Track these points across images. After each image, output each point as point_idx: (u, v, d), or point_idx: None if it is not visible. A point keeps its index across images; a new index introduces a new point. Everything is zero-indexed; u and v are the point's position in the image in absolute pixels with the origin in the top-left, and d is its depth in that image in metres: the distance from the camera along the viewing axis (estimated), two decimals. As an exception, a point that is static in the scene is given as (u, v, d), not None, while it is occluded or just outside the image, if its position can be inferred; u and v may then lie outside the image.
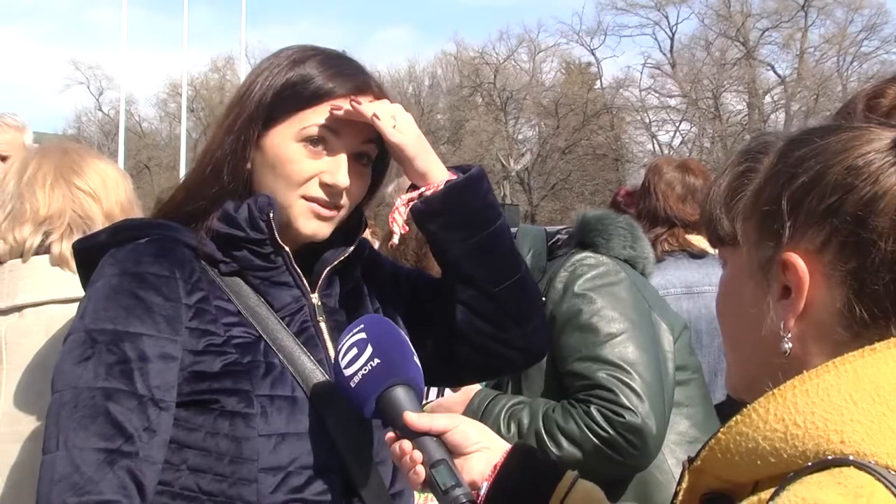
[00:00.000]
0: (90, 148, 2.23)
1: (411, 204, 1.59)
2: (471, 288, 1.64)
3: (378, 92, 1.58)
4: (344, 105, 1.52)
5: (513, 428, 2.37)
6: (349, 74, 1.55)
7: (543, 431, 2.34)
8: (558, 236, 2.64)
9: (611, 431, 2.28)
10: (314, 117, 1.52)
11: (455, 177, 1.60)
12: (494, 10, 67.84)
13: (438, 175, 1.59)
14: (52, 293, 1.99)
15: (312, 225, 1.55)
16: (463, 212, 1.60)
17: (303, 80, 1.53)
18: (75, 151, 2.12)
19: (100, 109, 42.64)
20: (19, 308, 2.00)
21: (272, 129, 1.53)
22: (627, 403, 2.29)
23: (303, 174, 1.53)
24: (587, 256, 2.51)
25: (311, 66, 1.54)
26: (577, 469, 1.40)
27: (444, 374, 1.77)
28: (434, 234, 1.62)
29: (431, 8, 69.07)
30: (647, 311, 2.54)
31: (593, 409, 2.31)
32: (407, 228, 1.59)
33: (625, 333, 2.39)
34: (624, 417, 2.29)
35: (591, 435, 2.29)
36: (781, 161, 1.00)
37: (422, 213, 1.59)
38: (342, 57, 1.60)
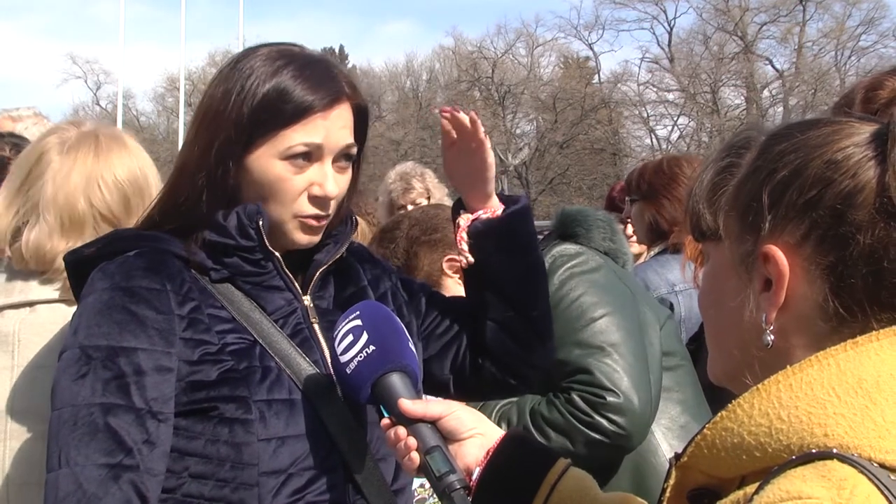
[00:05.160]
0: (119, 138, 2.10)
1: (470, 223, 1.67)
2: (511, 309, 1.69)
3: (351, 93, 1.57)
4: (463, 119, 1.61)
5: (503, 427, 2.37)
6: (325, 85, 1.53)
7: (531, 426, 2.36)
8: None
9: (594, 415, 2.30)
10: (297, 136, 1.51)
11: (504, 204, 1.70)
12: (492, 4, 67.83)
13: (495, 201, 1.69)
14: (66, 291, 1.97)
15: (306, 237, 1.57)
16: (516, 237, 1.68)
17: (280, 97, 1.50)
18: (108, 148, 2.03)
19: (97, 104, 42.63)
20: (31, 304, 1.98)
21: (254, 151, 1.51)
22: (608, 384, 2.31)
23: (292, 192, 1.53)
24: (567, 247, 2.55)
25: (287, 78, 1.51)
26: (568, 457, 1.41)
27: (459, 390, 1.77)
28: (488, 255, 1.68)
29: (431, 2, 69.01)
30: (629, 295, 2.56)
31: (574, 396, 2.33)
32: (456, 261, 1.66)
33: (605, 317, 2.41)
34: (605, 398, 2.30)
35: (575, 421, 2.31)
36: (762, 156, 1.01)
37: (480, 234, 1.67)
38: (315, 62, 1.57)
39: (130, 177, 2.02)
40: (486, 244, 1.66)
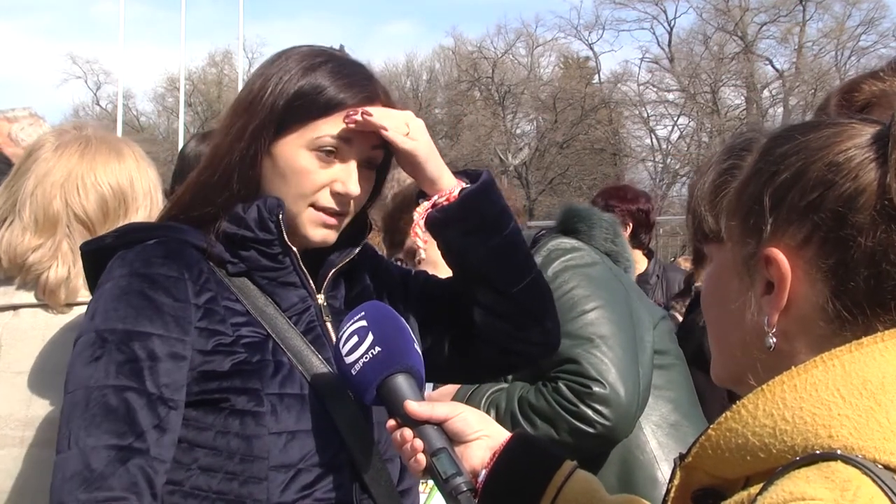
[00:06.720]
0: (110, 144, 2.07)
1: (427, 214, 1.60)
2: (490, 291, 1.65)
3: (385, 99, 1.59)
4: (356, 116, 1.52)
5: (492, 414, 2.40)
6: (360, 84, 1.56)
7: (518, 413, 2.39)
8: (541, 233, 2.69)
9: (579, 405, 2.32)
10: (327, 128, 1.53)
11: (465, 183, 1.61)
12: (492, 4, 67.85)
13: (449, 182, 1.60)
14: (43, 295, 1.94)
15: (321, 233, 1.57)
16: (479, 218, 1.61)
17: (315, 90, 1.53)
18: (96, 151, 2.02)
19: (97, 104, 42.57)
20: (15, 307, 1.96)
21: (283, 137, 1.54)
22: (594, 374, 2.33)
23: (315, 184, 1.54)
24: (563, 241, 2.56)
25: (323, 74, 1.54)
26: (553, 445, 1.41)
27: (462, 372, 1.80)
28: (452, 242, 1.63)
29: (431, 2, 68.98)
30: (623, 292, 2.57)
31: (561, 385, 2.35)
32: (427, 241, 1.61)
33: (595, 310, 2.43)
34: (591, 388, 2.32)
35: (560, 410, 2.33)
36: (763, 158, 1.01)
37: (439, 222, 1.60)
38: (352, 64, 1.60)
39: (113, 183, 1.99)
40: (448, 232, 1.61)
